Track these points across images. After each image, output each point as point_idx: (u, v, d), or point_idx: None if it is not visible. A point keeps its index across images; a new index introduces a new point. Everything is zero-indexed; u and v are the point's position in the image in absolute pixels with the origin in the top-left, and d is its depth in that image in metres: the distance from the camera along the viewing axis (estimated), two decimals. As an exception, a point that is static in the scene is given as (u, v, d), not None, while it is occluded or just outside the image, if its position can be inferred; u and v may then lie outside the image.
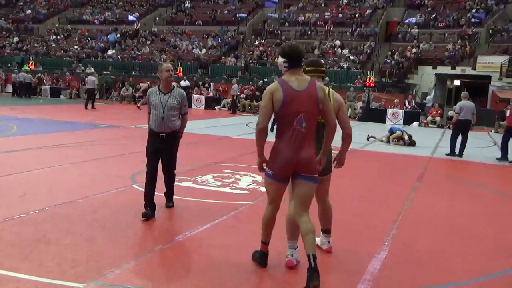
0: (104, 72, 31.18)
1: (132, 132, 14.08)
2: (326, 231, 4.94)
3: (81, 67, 32.70)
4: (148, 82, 26.07)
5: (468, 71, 27.49)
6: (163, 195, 6.11)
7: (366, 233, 5.63)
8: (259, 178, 7.94)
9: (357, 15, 34.80)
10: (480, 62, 26.95)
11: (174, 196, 6.19)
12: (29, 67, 31.24)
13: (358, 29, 33.41)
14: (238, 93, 25.21)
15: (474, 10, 32.31)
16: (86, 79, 23.19)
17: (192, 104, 26.20)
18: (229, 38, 35.27)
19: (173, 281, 3.98)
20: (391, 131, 15.05)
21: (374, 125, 21.56)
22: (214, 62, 32.38)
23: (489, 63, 26.60)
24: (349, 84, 27.19)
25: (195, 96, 26.79)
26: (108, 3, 44.33)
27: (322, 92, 4.04)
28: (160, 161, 5.85)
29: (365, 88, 25.35)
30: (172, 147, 5.85)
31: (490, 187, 9.06)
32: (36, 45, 38.56)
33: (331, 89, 4.52)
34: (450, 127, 21.44)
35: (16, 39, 40.15)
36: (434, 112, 23.53)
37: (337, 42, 32.36)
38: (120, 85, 28.38)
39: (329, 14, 35.66)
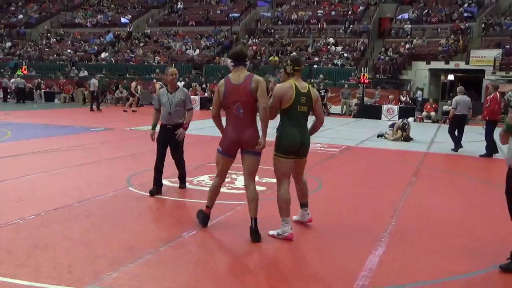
0: (99, 75, 31.07)
1: (127, 135, 14.05)
2: (304, 205, 5.59)
3: (74, 70, 32.58)
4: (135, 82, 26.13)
5: (462, 65, 27.57)
6: (177, 178, 7.21)
7: (363, 229, 5.63)
8: (256, 178, 7.92)
9: (349, 12, 34.85)
10: (474, 56, 27.03)
11: (171, 198, 6.19)
12: (22, 72, 31.14)
13: (351, 26, 33.46)
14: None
15: (466, 5, 32.42)
16: (89, 82, 24.08)
17: (187, 105, 26.13)
18: (223, 38, 35.24)
19: (171, 283, 3.96)
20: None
21: (369, 122, 21.61)
22: (208, 62, 32.35)
23: (482, 57, 26.69)
24: (343, 81, 27.23)
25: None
26: (100, 5, 44.22)
27: (255, 84, 4.92)
28: (170, 152, 6.95)
29: (359, 85, 25.39)
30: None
31: (485, 180, 9.08)
32: (29, 49, 38.42)
33: (309, 85, 5.31)
34: (446, 122, 21.56)
35: (8, 44, 39.99)
36: (429, 107, 23.59)
37: (331, 40, 32.38)
38: (114, 88, 28.31)
39: (321, 11, 35.69)
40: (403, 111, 23.25)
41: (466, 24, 30.54)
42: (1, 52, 38.84)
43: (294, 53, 26.97)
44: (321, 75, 27.46)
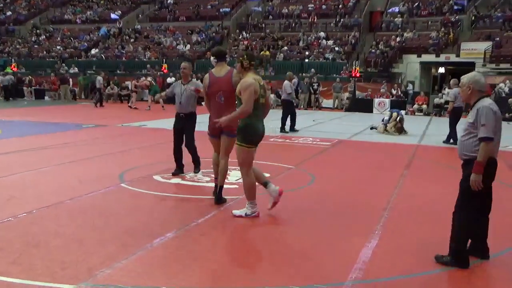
0: (89, 72, 30.91)
1: (119, 131, 13.99)
2: (264, 184, 5.80)
3: (64, 67, 32.36)
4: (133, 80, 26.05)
5: (453, 58, 27.66)
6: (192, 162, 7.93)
7: (356, 222, 5.65)
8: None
9: (340, 6, 34.84)
10: (464, 49, 27.13)
11: (164, 194, 6.20)
12: (11, 69, 30.87)
13: (342, 20, 33.46)
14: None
15: (456, -3, 32.52)
16: (95, 79, 25.35)
17: (179, 100, 26.03)
18: (213, 33, 35.14)
19: (165, 279, 3.96)
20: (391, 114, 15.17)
21: (361, 115, 21.67)
22: (199, 58, 32.24)
23: (472, 50, 26.80)
24: (335, 75, 27.25)
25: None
26: (90, 1, 43.88)
27: (237, 77, 5.81)
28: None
29: (351, 78, 25.44)
30: (189, 124, 7.64)
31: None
32: (18, 46, 38.09)
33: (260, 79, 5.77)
34: (442, 114, 21.65)
35: (-3, 41, 39.68)
36: (421, 101, 23.66)
37: (322, 34, 32.38)
38: (106, 84, 28.12)
39: (312, 5, 35.65)
40: (394, 104, 23.32)
41: (456, 17, 30.64)
42: (-10, 49, 38.51)
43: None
44: (312, 69, 27.48)
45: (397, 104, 22.95)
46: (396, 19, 32.12)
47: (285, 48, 31.59)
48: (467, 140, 4.31)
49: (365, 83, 26.28)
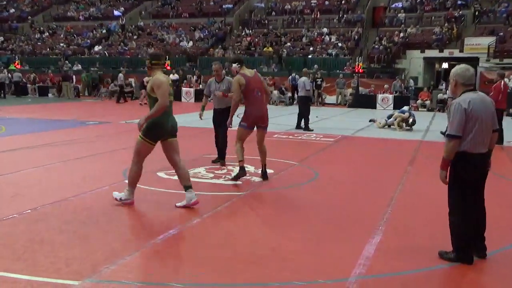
0: (92, 69, 30.96)
1: (123, 128, 14.01)
2: (185, 188, 5.90)
3: (68, 64, 32.39)
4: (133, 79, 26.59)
5: (456, 53, 27.54)
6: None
7: (360, 218, 5.65)
8: (252, 168, 7.95)
9: (343, 2, 34.70)
10: (468, 44, 27.02)
11: (168, 190, 6.24)
12: (15, 66, 30.93)
13: (345, 15, 33.35)
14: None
15: (459, -8, 32.35)
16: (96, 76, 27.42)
17: (182, 97, 26.07)
18: (216, 30, 35.09)
19: (169, 275, 3.98)
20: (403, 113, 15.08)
21: (364, 111, 21.62)
22: (202, 54, 32.21)
23: (476, 45, 26.68)
24: (338, 71, 27.19)
25: (184, 90, 26.65)
26: (92, -2, 43.90)
27: (258, 76, 7.41)
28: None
29: (354, 74, 25.37)
30: (224, 118, 7.92)
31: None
32: (21, 44, 38.14)
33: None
34: (446, 110, 21.53)
35: (0, 38, 39.69)
36: (424, 97, 23.58)
37: (325, 30, 32.29)
38: (110, 81, 28.17)
39: (315, 1, 35.53)
40: (398, 100, 23.27)
41: (460, 12, 30.49)
42: (-6, 46, 38.59)
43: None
44: (315, 65, 27.42)
45: (401, 100, 22.93)
46: (399, 15, 32.01)
47: (288, 44, 31.53)
48: None
49: (368, 79, 26.20)
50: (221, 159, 8.57)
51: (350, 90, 25.50)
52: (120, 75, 25.68)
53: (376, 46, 29.34)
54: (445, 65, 30.51)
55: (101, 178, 7.35)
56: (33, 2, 45.17)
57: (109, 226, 5.14)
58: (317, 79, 24.98)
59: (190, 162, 8.02)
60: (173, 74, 27.75)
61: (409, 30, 30.27)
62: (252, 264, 4.26)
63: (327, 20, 33.53)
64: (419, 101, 23.43)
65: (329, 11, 34.47)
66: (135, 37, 36.37)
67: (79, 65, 31.95)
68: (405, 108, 16.35)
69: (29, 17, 42.02)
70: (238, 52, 31.31)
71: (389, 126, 14.87)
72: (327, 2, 35.38)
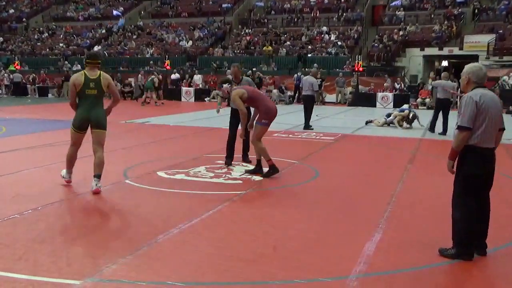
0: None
1: (123, 128, 14.01)
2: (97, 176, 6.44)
3: (67, 64, 32.40)
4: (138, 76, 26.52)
5: (456, 51, 27.57)
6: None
7: (360, 216, 5.66)
8: (252, 168, 7.96)
9: (342, 0, 34.71)
10: (467, 42, 27.04)
11: (169, 189, 6.26)
12: (15, 67, 30.94)
13: (344, 14, 33.35)
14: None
15: (459, -10, 32.34)
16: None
17: (182, 97, 26.08)
18: (216, 29, 35.09)
19: (170, 274, 3.98)
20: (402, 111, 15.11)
21: (364, 110, 21.63)
22: (201, 54, 32.22)
23: (476, 42, 26.71)
24: (337, 69, 27.19)
25: (184, 89, 26.65)
26: (92, -2, 43.91)
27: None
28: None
29: (354, 73, 25.37)
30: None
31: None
32: (21, 44, 38.14)
33: (100, 72, 6.87)
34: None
35: (0, 39, 39.70)
36: (424, 95, 23.58)
37: (324, 28, 32.30)
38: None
39: (314, 0, 35.53)
40: (397, 98, 23.28)
41: (459, 10, 30.49)
42: (-7, 47, 38.60)
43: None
44: (315, 64, 27.39)
45: (401, 98, 22.95)
46: (399, 13, 31.99)
47: (288, 43, 31.52)
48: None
49: (368, 78, 26.21)
50: (230, 158, 8.38)
51: (350, 89, 25.51)
52: (140, 76, 26.18)
53: (376, 45, 29.34)
54: (444, 63, 30.51)
55: (102, 178, 7.32)
56: (32, 3, 45.17)
57: (110, 225, 5.15)
58: (319, 79, 24.94)
59: (191, 162, 8.03)
60: (174, 73, 27.78)
61: (408, 28, 30.27)
62: (253, 263, 4.26)
63: (326, 18, 33.54)
64: (419, 99, 23.43)
65: (328, 10, 34.47)
66: (134, 37, 36.37)
67: (79, 65, 31.92)
68: (405, 106, 16.35)
69: (24, 19, 41.99)
70: (238, 51, 31.38)
71: (388, 124, 14.87)
72: (326, 1, 35.37)
